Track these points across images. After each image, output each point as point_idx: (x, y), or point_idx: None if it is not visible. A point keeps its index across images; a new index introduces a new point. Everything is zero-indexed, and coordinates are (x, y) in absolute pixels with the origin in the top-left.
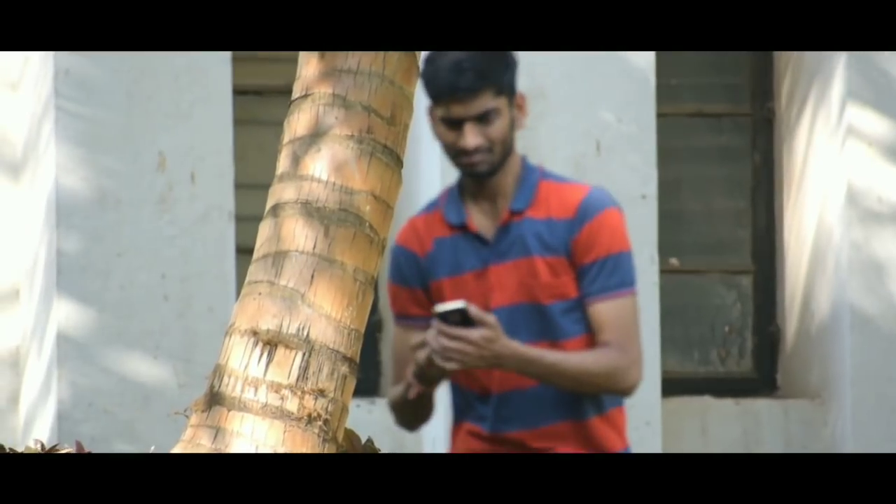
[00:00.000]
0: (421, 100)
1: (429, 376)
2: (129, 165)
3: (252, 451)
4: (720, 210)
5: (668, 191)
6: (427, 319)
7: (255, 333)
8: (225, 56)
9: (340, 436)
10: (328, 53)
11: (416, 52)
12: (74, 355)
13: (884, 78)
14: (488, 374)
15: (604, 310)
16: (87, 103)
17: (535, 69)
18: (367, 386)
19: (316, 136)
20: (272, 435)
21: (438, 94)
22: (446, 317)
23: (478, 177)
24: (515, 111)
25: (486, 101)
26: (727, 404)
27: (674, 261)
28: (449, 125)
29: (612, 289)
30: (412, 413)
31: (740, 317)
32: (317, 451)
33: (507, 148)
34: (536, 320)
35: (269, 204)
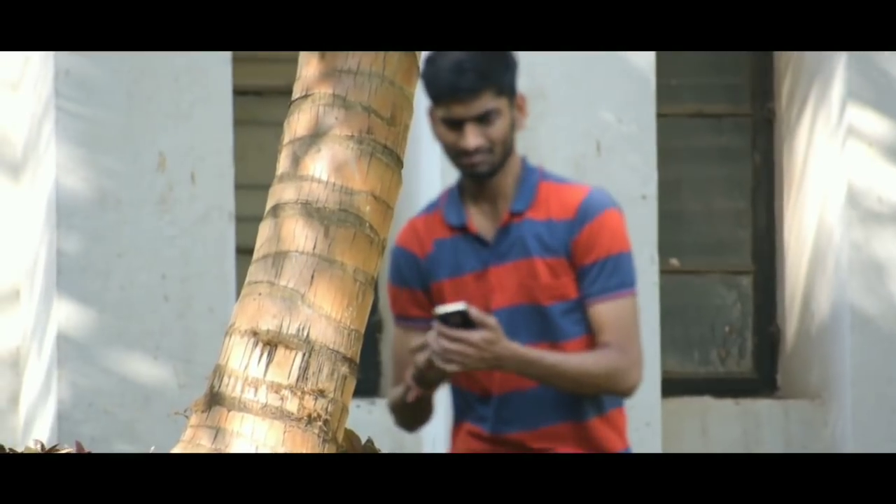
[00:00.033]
0: (421, 100)
1: (428, 379)
2: (129, 165)
3: (252, 451)
4: (720, 210)
5: (669, 191)
6: (427, 321)
7: (255, 334)
8: (225, 56)
9: (340, 436)
10: (328, 54)
11: (417, 53)
12: (74, 356)
13: (884, 78)
14: (489, 375)
15: (604, 311)
16: (87, 103)
17: (535, 69)
18: (367, 386)
19: (316, 136)
20: (272, 435)
21: (439, 95)
22: (447, 318)
23: (478, 177)
24: (516, 112)
25: (487, 102)
26: (727, 405)
27: (674, 261)
28: (449, 126)
29: (612, 290)
30: (412, 414)
31: (740, 317)
32: (317, 451)
33: (507, 148)
34: (537, 321)
35: (269, 204)
